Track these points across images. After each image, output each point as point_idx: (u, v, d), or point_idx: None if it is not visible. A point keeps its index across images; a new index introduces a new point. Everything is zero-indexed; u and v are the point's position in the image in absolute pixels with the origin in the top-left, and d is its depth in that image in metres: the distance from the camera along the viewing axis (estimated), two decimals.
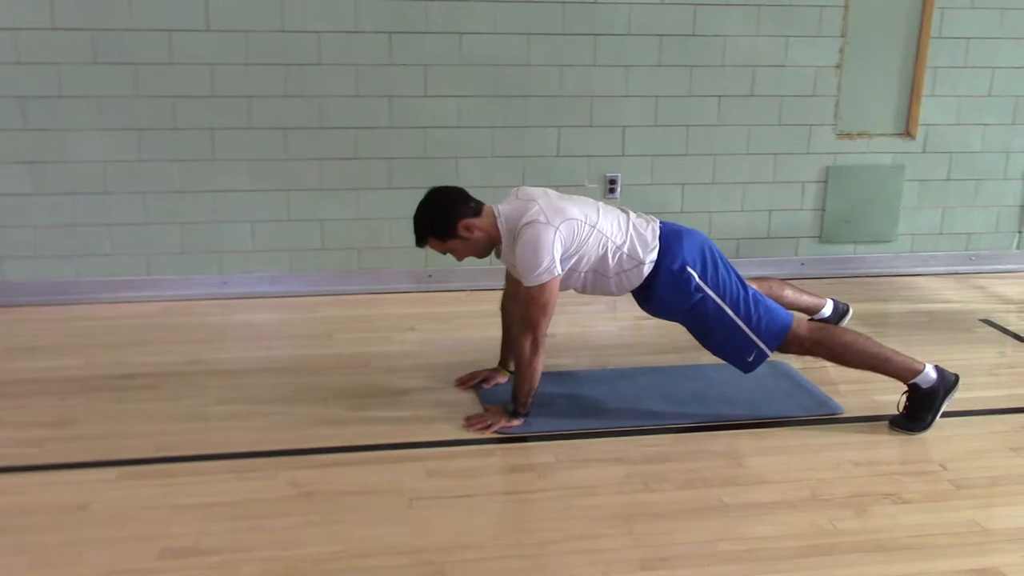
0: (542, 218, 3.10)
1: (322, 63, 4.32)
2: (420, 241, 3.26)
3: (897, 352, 3.28)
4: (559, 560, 2.51)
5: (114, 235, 4.37)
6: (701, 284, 3.22)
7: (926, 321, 4.36)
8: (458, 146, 4.52)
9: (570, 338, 4.06)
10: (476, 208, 3.20)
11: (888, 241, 5.02)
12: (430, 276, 4.66)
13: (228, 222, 4.44)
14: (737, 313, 3.22)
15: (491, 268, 4.60)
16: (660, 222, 3.31)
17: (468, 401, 3.43)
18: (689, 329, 3.36)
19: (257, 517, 2.68)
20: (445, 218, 3.18)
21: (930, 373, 3.23)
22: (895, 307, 4.56)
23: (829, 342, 3.26)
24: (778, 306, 3.31)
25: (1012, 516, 2.75)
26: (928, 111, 4.84)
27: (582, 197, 3.30)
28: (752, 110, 4.71)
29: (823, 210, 4.91)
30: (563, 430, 3.23)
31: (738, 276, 3.28)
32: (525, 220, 3.11)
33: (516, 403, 3.22)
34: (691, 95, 4.65)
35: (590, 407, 3.41)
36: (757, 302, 3.25)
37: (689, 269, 3.21)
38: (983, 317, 4.42)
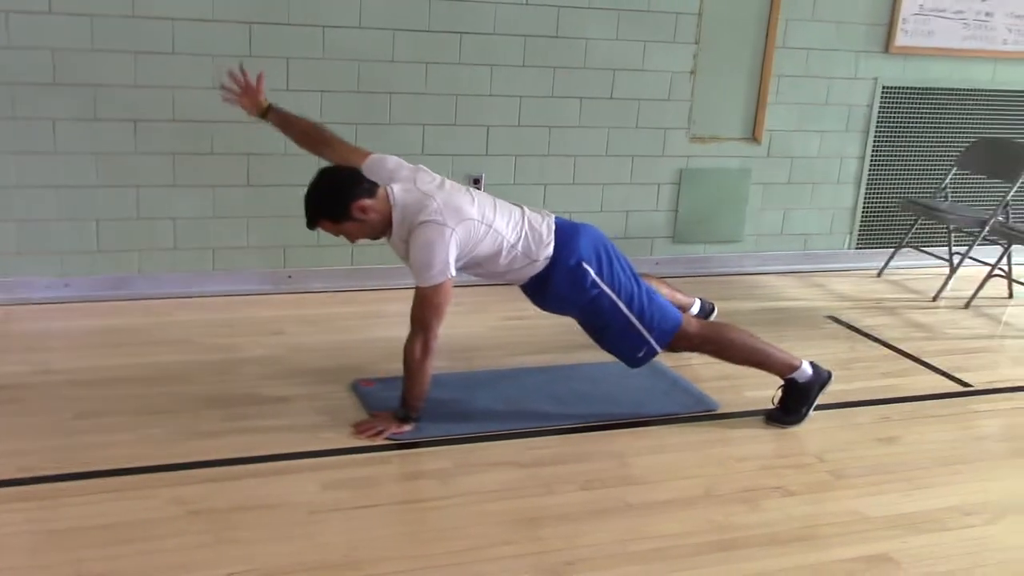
0: (439, 218, 3.04)
1: (176, 52, 4.09)
2: (312, 223, 3.12)
3: (777, 348, 3.41)
4: (471, 569, 2.46)
5: None
6: (597, 280, 3.24)
7: (777, 318, 4.56)
8: None
9: (447, 342, 3.99)
10: (370, 189, 3.10)
11: (736, 241, 5.22)
12: (290, 277, 4.50)
13: (72, 220, 4.13)
14: (631, 309, 3.26)
15: (353, 269, 4.53)
16: (555, 217, 3.30)
17: (351, 407, 3.33)
18: (582, 323, 3.38)
19: (142, 540, 2.50)
20: (338, 199, 3.07)
21: (806, 369, 3.38)
22: (747, 305, 4.74)
23: (716, 339, 3.35)
24: (668, 304, 3.37)
25: (889, 503, 2.91)
26: (773, 117, 5.07)
27: (477, 191, 3.26)
28: (611, 112, 4.79)
29: (676, 211, 5.05)
30: (455, 434, 3.18)
31: (633, 272, 3.33)
32: (422, 218, 3.04)
33: (407, 407, 3.15)
34: (553, 96, 4.68)
35: (477, 410, 3.37)
36: (651, 299, 3.30)
37: (585, 265, 3.22)
38: (828, 314, 4.67)
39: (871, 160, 5.33)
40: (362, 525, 2.64)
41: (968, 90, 5.37)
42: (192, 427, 3.11)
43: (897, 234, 5.45)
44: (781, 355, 3.38)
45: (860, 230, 5.45)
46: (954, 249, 5.34)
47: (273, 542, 2.52)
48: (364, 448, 3.05)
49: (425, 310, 3.08)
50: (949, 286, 5.04)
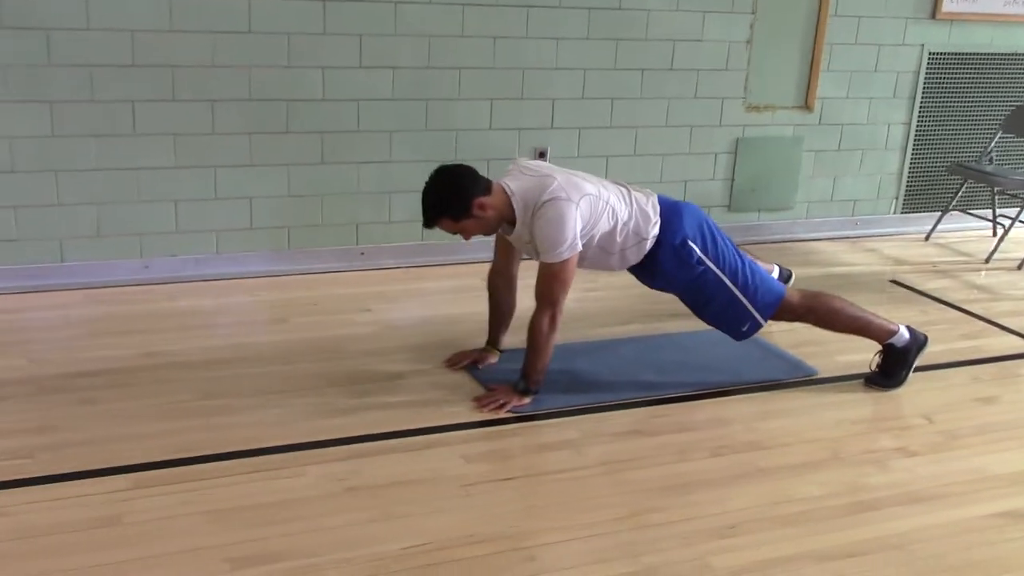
0: (563, 194, 3.08)
1: (252, 31, 4.06)
2: (431, 222, 3.15)
3: (875, 314, 3.48)
4: (639, 535, 2.52)
5: (20, 218, 3.96)
6: (703, 257, 3.29)
7: (841, 284, 4.62)
8: (391, 119, 4.38)
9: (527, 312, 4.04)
10: (486, 186, 3.13)
11: (788, 208, 5.29)
12: (362, 254, 4.51)
13: (151, 201, 4.12)
14: (735, 284, 3.32)
15: (422, 244, 4.54)
16: (658, 196, 3.35)
17: (465, 382, 3.36)
18: (686, 300, 3.43)
19: (310, 517, 2.53)
20: (459, 198, 3.09)
21: (904, 333, 3.46)
22: (808, 272, 4.80)
23: (819, 308, 3.42)
24: (770, 276, 3.43)
25: (1010, 461, 3.01)
26: (824, 85, 5.13)
27: (584, 172, 3.29)
28: (671, 83, 4.83)
29: (732, 179, 5.11)
30: (573, 405, 3.23)
31: (734, 247, 3.38)
32: (546, 197, 3.07)
33: (528, 380, 3.19)
34: (616, 68, 4.71)
35: (585, 381, 3.42)
36: (754, 273, 3.36)
37: (691, 243, 3.28)
38: (891, 278, 4.76)
39: (917, 126, 5.41)
40: (515, 496, 2.69)
41: (1011, 54, 5.46)
42: (319, 406, 3.14)
43: (942, 198, 5.54)
44: (880, 321, 3.46)
45: (906, 195, 5.54)
46: (998, 212, 5.45)
47: (438, 515, 2.57)
48: (490, 422, 3.10)
49: (554, 285, 3.12)
50: (998, 249, 5.14)
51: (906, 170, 5.49)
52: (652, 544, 2.48)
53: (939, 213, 5.47)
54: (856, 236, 5.44)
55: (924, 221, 5.56)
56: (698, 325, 3.75)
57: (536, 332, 3.16)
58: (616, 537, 2.51)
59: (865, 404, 3.38)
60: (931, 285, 4.66)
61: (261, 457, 2.81)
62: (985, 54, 5.40)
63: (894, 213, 5.56)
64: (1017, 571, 2.46)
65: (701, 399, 3.36)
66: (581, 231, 3.11)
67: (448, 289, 4.31)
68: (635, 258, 3.29)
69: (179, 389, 3.21)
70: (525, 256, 3.38)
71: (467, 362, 3.46)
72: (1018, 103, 5.43)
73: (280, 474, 2.73)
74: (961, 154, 5.53)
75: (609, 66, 4.69)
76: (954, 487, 2.84)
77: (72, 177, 3.97)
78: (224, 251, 4.28)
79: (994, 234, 5.53)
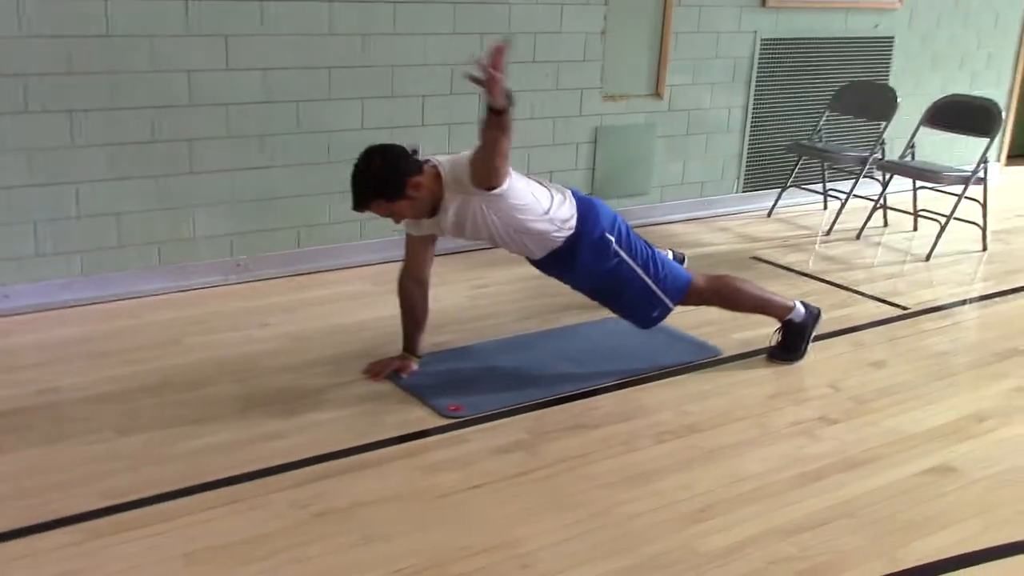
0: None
1: (112, 35, 3.79)
2: (363, 205, 3.08)
3: (773, 293, 3.68)
4: (623, 529, 2.57)
5: None
6: (618, 249, 3.37)
7: (710, 263, 4.82)
8: (265, 123, 4.21)
9: (437, 314, 3.99)
10: (419, 165, 3.08)
11: (644, 194, 5.47)
12: (238, 265, 4.31)
13: (6, 224, 3.77)
14: (647, 273, 3.41)
15: (301, 251, 4.39)
16: (571, 191, 3.39)
17: (391, 391, 3.30)
18: (597, 291, 3.51)
19: (288, 549, 2.42)
20: (393, 177, 3.04)
21: (800, 308, 3.66)
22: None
23: (724, 291, 3.57)
24: (675, 263, 3.55)
25: (918, 420, 3.26)
26: (672, 73, 5.33)
27: None
28: (533, 76, 4.88)
29: (593, 169, 5.22)
30: (509, 405, 3.23)
31: (643, 240, 3.47)
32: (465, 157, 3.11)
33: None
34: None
35: (511, 378, 3.43)
36: (662, 262, 3.47)
37: (608, 235, 3.35)
38: (751, 255, 5.02)
39: (753, 108, 5.71)
40: (489, 503, 2.67)
41: (832, 39, 5.85)
42: (253, 429, 3.00)
43: (777, 176, 5.89)
44: (779, 299, 3.65)
45: (745, 174, 5.84)
46: (829, 186, 5.86)
47: (420, 532, 2.52)
48: (433, 430, 3.06)
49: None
50: (823, 220, 5.53)
51: (745, 151, 5.79)
52: (639, 536, 2.53)
53: (776, 190, 5.82)
54: (705, 217, 5.69)
55: (762, 199, 5.88)
56: (594, 316, 3.89)
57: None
58: (602, 533, 2.54)
59: (774, 379, 3.56)
60: (788, 259, 4.96)
61: (214, 492, 2.66)
62: (810, 39, 5.77)
63: (736, 192, 5.86)
64: (959, 523, 2.67)
65: (625, 387, 3.43)
66: (507, 185, 3.11)
67: (340, 296, 4.19)
68: (555, 244, 3.31)
69: (91, 428, 2.97)
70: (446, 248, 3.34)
71: (389, 371, 3.39)
72: (842, 83, 5.83)
73: (241, 507, 2.59)
74: (793, 134, 5.89)
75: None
76: (880, 449, 3.05)
77: None
78: (91, 273, 3.98)
79: (824, 207, 5.94)
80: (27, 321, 3.76)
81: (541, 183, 3.32)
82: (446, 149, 4.68)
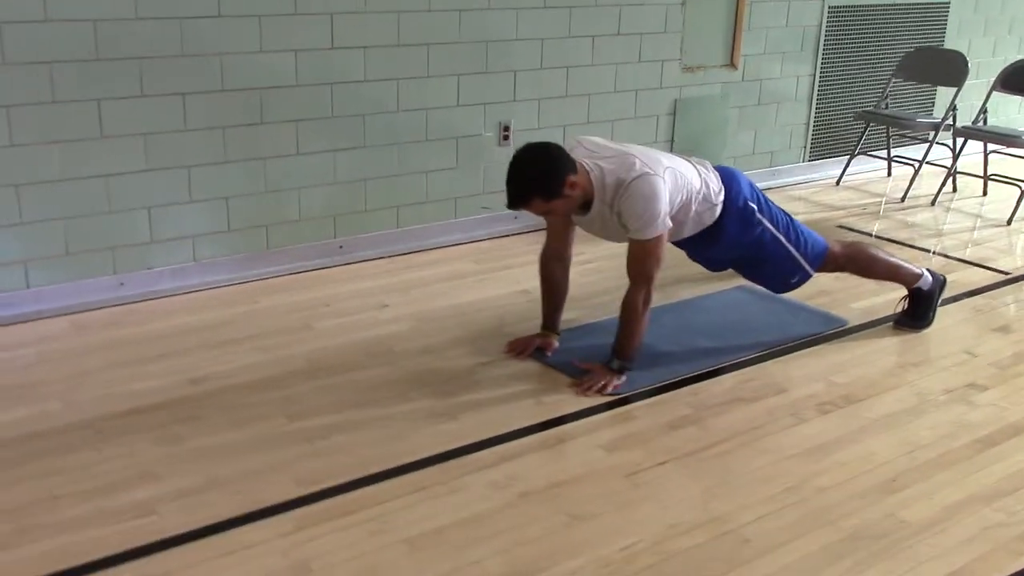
0: (649, 169, 3.04)
1: (223, 15, 3.72)
2: (520, 203, 3.03)
3: (903, 260, 3.68)
4: (821, 501, 2.57)
5: None
6: (760, 217, 3.36)
7: None
8: (364, 103, 4.15)
9: (573, 288, 3.96)
10: (574, 164, 3.04)
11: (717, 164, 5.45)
12: (341, 247, 4.26)
13: (120, 212, 3.71)
14: (788, 240, 3.41)
15: (400, 231, 4.34)
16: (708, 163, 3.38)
17: (539, 370, 3.28)
18: (740, 261, 3.50)
19: (507, 531, 2.41)
20: (554, 176, 2.99)
21: (928, 276, 3.67)
22: None
23: (859, 257, 3.57)
24: (812, 231, 3.54)
25: None
26: (746, 43, 5.30)
27: (647, 147, 3.27)
28: (619, 49, 4.84)
29: (672, 140, 5.20)
30: (662, 381, 3.22)
31: (778, 206, 3.47)
32: (635, 173, 3.02)
33: (626, 359, 3.16)
34: (570, 36, 4.66)
35: (651, 355, 3.39)
36: (800, 228, 3.46)
37: (751, 204, 3.34)
38: (836, 224, 5.02)
39: (820, 77, 5.71)
40: (683, 480, 2.67)
41: (899, 5, 5.85)
42: (418, 413, 2.97)
43: (841, 144, 5.89)
44: (908, 266, 3.66)
45: (812, 143, 5.85)
46: (894, 152, 5.88)
47: (626, 510, 2.51)
48: (599, 408, 3.05)
49: (648, 262, 3.09)
50: (890, 186, 5.55)
51: (812, 119, 5.79)
52: (838, 509, 2.54)
53: (838, 158, 5.83)
54: (776, 186, 5.69)
55: (827, 167, 5.89)
56: (706, 288, 3.88)
57: (632, 310, 3.12)
58: (802, 507, 2.54)
59: (909, 347, 3.58)
60: (874, 227, 4.97)
61: (407, 476, 2.64)
62: (874, 5, 5.76)
63: (803, 161, 5.86)
64: None
65: (765, 360, 3.43)
66: (666, 227, 3.09)
67: (446, 275, 4.14)
68: (708, 220, 3.29)
69: (259, 415, 2.93)
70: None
71: (532, 349, 3.37)
72: (903, 50, 5.83)
73: (440, 490, 2.57)
74: (856, 101, 5.89)
75: (564, 34, 4.64)
76: None
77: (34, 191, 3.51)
78: (201, 259, 3.93)
79: (889, 174, 5.96)
80: (146, 309, 3.70)
81: (689, 161, 3.28)
82: (536, 125, 4.65)
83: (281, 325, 3.59)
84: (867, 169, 5.99)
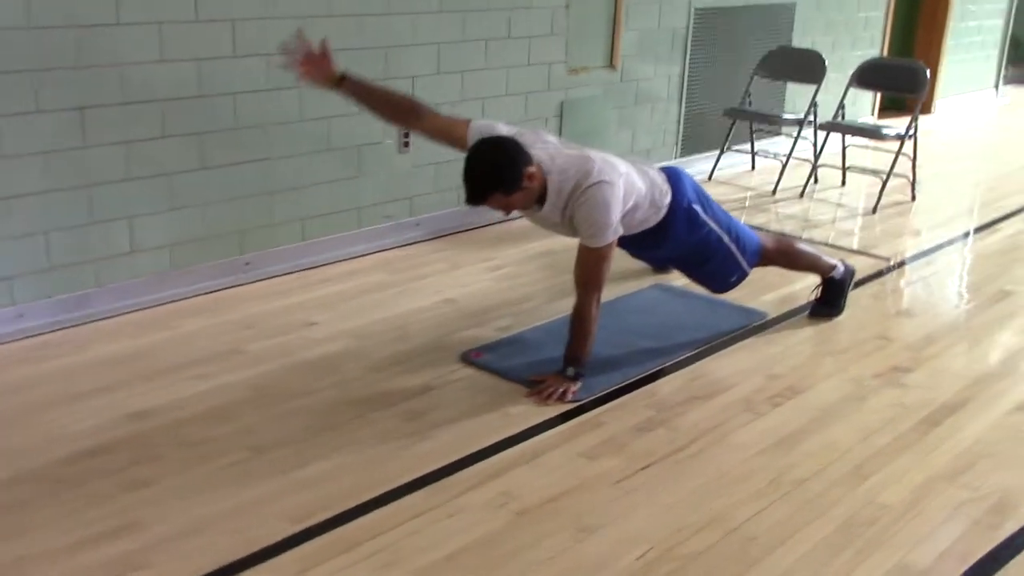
0: (606, 176, 3.06)
1: (120, 23, 3.48)
2: (481, 198, 3.00)
3: (820, 252, 3.87)
4: (805, 493, 2.67)
5: None
6: (705, 218, 3.45)
7: None
8: (266, 113, 3.99)
9: (477, 300, 3.94)
10: (529, 156, 3.03)
11: None
12: (247, 264, 4.07)
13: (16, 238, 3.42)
14: (730, 239, 3.52)
15: (306, 244, 4.19)
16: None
17: (492, 383, 3.25)
18: (683, 260, 3.59)
19: (517, 552, 2.38)
20: (512, 169, 2.97)
21: (840, 266, 3.87)
22: None
23: (787, 251, 3.74)
24: (744, 226, 3.66)
25: (971, 360, 3.53)
26: (624, 45, 5.42)
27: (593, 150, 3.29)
28: (510, 52, 4.85)
29: None
30: (617, 384, 3.26)
31: (718, 204, 3.57)
32: (592, 180, 3.04)
33: (579, 365, 3.16)
34: (465, 40, 4.63)
35: (597, 358, 3.41)
36: (738, 226, 3.58)
37: (695, 206, 3.42)
38: None
39: (688, 76, 5.90)
40: (669, 482, 2.71)
41: (759, 6, 6.11)
42: (383, 436, 2.89)
43: (708, 140, 6.12)
44: (825, 258, 3.85)
45: (683, 140, 6.04)
46: (757, 147, 6.16)
47: (627, 519, 2.54)
48: (565, 416, 3.05)
49: (599, 267, 3.11)
50: (756, 180, 5.83)
51: (682, 117, 5.98)
52: (822, 499, 2.65)
53: (705, 154, 6.06)
54: None
55: (698, 163, 6.10)
56: (622, 289, 3.96)
57: (585, 316, 3.13)
58: (791, 500, 2.64)
59: (828, 335, 3.76)
60: (757, 220, 5.18)
61: (399, 502, 2.57)
62: (736, 7, 6.00)
63: (676, 158, 6.05)
64: None
65: (703, 357, 3.52)
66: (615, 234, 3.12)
67: (364, 288, 4.03)
68: (653, 222, 3.35)
69: (221, 449, 2.77)
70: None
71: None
72: (763, 49, 6.11)
73: (439, 514, 2.51)
74: (721, 99, 6.13)
75: (459, 39, 4.60)
76: (965, 392, 3.28)
77: None
78: (105, 283, 3.66)
79: (752, 168, 6.24)
80: (54, 341, 3.42)
81: (634, 165, 3.32)
82: None
83: (210, 351, 3.40)
84: (732, 163, 6.25)
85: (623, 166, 3.20)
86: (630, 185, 3.18)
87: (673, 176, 3.43)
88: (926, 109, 7.82)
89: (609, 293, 3.93)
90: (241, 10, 3.79)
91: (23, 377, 3.16)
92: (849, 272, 3.91)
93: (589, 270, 3.13)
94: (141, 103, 3.60)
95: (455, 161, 4.57)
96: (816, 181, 5.92)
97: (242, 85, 3.87)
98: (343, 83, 3.19)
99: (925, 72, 5.53)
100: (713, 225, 3.47)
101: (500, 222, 4.88)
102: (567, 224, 3.15)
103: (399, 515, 2.49)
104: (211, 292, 3.90)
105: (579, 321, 3.15)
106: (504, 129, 3.18)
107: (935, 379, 3.38)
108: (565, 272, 3.64)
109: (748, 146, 6.22)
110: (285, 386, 3.16)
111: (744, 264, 3.57)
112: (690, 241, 3.46)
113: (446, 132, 3.23)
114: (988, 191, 5.98)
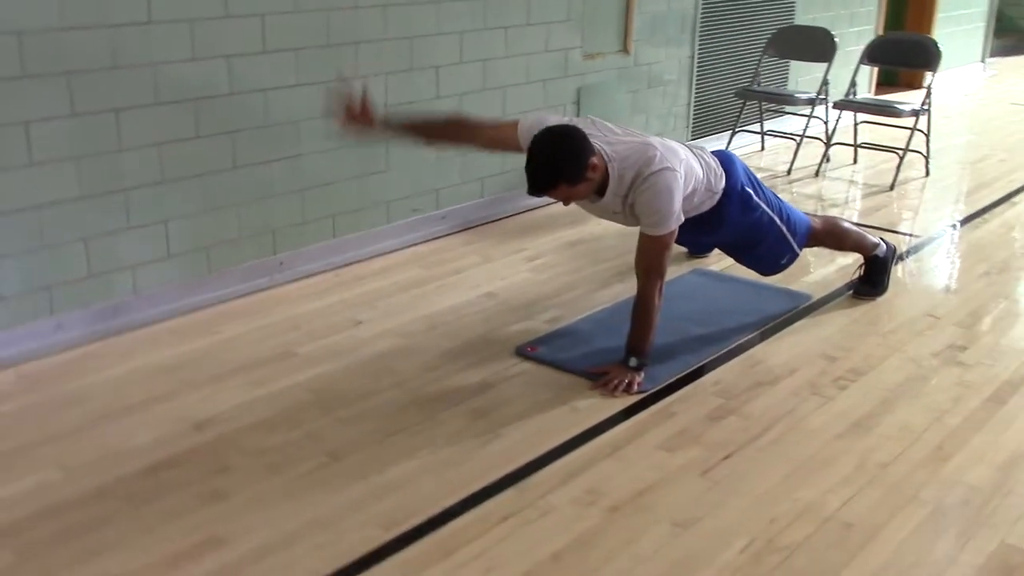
0: (668, 164, 3.02)
1: (152, 21, 3.38)
2: (547, 189, 2.94)
3: (863, 230, 3.85)
4: (890, 475, 2.66)
5: None
6: (757, 200, 3.42)
7: None
8: (295, 109, 3.90)
9: (520, 294, 3.88)
10: (591, 145, 2.98)
11: None
12: (281, 264, 3.99)
13: (56, 245, 3.31)
14: (782, 221, 3.49)
15: (338, 241, 4.11)
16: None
17: (553, 377, 3.20)
18: (740, 243, 3.56)
19: (619, 550, 2.34)
20: (579, 159, 2.93)
21: (882, 244, 3.85)
22: None
23: (834, 231, 3.72)
24: (794, 208, 3.63)
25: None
26: (637, 29, 5.37)
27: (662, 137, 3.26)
28: (529, 40, 4.78)
29: None
30: (679, 373, 3.23)
31: (767, 186, 3.55)
32: (655, 167, 3.00)
33: (643, 354, 3.12)
34: (486, 28, 4.56)
35: (655, 348, 3.38)
36: (789, 208, 3.56)
37: (748, 188, 3.39)
38: None
39: (698, 58, 5.86)
40: (752, 471, 2.68)
41: None
42: (460, 438, 2.83)
43: (715, 122, 6.09)
44: (869, 236, 3.83)
45: (693, 122, 6.01)
46: (767, 126, 6.14)
47: (721, 509, 2.50)
48: (634, 409, 3.01)
49: (662, 255, 3.08)
50: (767, 160, 5.81)
51: (692, 99, 5.94)
52: (908, 481, 2.63)
53: (715, 135, 6.03)
54: None
55: (708, 145, 6.05)
56: (671, 276, 3.89)
57: (649, 305, 3.09)
58: (877, 485, 2.61)
59: (876, 315, 3.73)
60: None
61: (487, 504, 2.51)
62: None
63: (687, 140, 6.00)
64: None
65: (757, 342, 3.48)
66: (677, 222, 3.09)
67: (402, 285, 3.95)
68: (707, 207, 3.31)
69: (292, 457, 2.70)
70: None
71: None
72: (766, 29, 6.08)
73: (531, 515, 2.46)
74: (730, 79, 6.10)
75: (480, 27, 4.53)
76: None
77: None
78: (141, 291, 3.57)
79: (762, 147, 6.21)
80: (95, 353, 3.33)
81: (691, 150, 3.28)
82: None
83: (260, 355, 3.32)
84: (741, 144, 6.22)
85: (683, 151, 3.16)
86: (689, 170, 3.14)
87: (725, 160, 3.39)
88: (919, 83, 7.83)
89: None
90: (270, 4, 3.69)
91: (71, 391, 3.06)
92: (892, 250, 3.90)
93: (652, 258, 3.08)
94: (174, 103, 3.50)
95: (479, 152, 4.58)
96: (828, 160, 5.91)
97: (272, 81, 3.78)
98: (387, 126, 3.19)
99: (937, 46, 5.53)
100: (765, 207, 3.44)
101: (525, 211, 4.85)
102: (628, 213, 3.10)
103: (490, 517, 2.44)
104: (248, 295, 3.81)
105: (643, 310, 3.11)
106: (553, 120, 3.12)
107: (992, 356, 3.37)
108: (602, 260, 3.62)
109: (757, 127, 6.19)
110: (344, 388, 3.09)
111: (795, 245, 3.54)
112: (744, 224, 3.42)
113: (499, 141, 3.23)
114: (999, 163, 5.99)
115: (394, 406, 2.99)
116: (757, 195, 3.42)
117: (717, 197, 3.31)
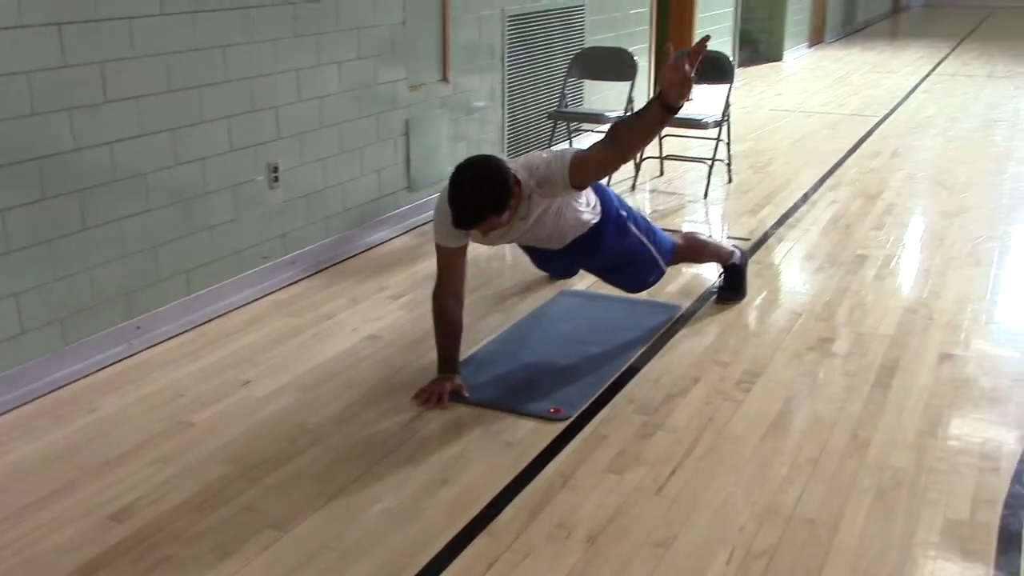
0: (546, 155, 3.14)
1: None
2: (477, 222, 2.90)
3: (718, 242, 4.05)
4: (833, 467, 2.80)
5: None
6: (629, 224, 3.52)
7: None
8: (141, 161, 3.63)
9: (404, 332, 3.79)
10: (510, 170, 2.99)
11: (442, 180, 5.47)
12: (138, 328, 3.69)
13: None
14: (650, 240, 3.61)
15: (192, 298, 3.87)
16: None
17: (469, 414, 3.15)
18: (608, 267, 3.63)
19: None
20: (506, 186, 2.91)
21: (736, 251, 4.07)
22: None
23: (695, 246, 3.88)
24: (656, 226, 3.76)
25: (876, 323, 3.83)
26: (453, 58, 5.39)
27: None
28: (360, 73, 4.69)
29: (408, 160, 5.15)
30: (593, 395, 3.26)
31: (633, 206, 3.67)
32: (546, 155, 3.15)
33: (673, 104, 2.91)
34: (320, 64, 4.43)
35: (559, 372, 3.42)
36: (654, 228, 3.67)
37: (621, 212, 3.50)
38: None
39: (508, 83, 5.97)
40: (708, 481, 2.75)
41: (564, 8, 6.27)
42: (408, 484, 2.73)
43: (530, 141, 6.22)
44: (724, 246, 4.03)
45: (508, 144, 6.10)
46: (575, 145, 6.32)
47: (689, 525, 2.55)
48: (561, 437, 3.01)
49: (603, 152, 3.07)
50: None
51: (505, 123, 6.04)
52: (850, 474, 2.79)
53: None
54: None
55: None
56: (533, 300, 4.00)
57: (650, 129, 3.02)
58: (817, 477, 2.76)
59: (745, 318, 3.94)
60: None
61: (466, 553, 2.43)
62: (540, 11, 6.13)
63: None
64: None
65: (650, 356, 3.58)
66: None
67: (276, 336, 3.76)
68: (582, 230, 3.39)
69: (231, 537, 2.50)
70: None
71: (447, 396, 3.18)
72: (565, 50, 6.29)
73: (513, 558, 2.41)
74: (537, 101, 6.24)
75: (314, 63, 4.40)
76: (892, 352, 3.56)
77: None
78: None
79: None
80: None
81: None
82: (299, 162, 4.38)
83: (152, 429, 3.06)
84: None
85: None
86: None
87: (598, 187, 3.48)
88: None
89: (521, 307, 3.97)
90: (109, 51, 3.42)
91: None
92: (744, 256, 4.12)
93: (610, 158, 3.09)
94: (15, 164, 3.17)
95: (323, 191, 4.46)
96: (638, 172, 6.18)
97: (116, 133, 3.50)
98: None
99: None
100: (635, 230, 3.55)
101: (371, 248, 4.76)
102: (554, 212, 3.18)
103: (475, 568, 2.37)
104: (110, 365, 3.50)
105: (642, 135, 3.05)
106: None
107: (860, 345, 3.64)
108: (468, 292, 3.61)
109: (567, 146, 6.37)
110: (262, 454, 2.90)
111: (662, 264, 3.68)
112: (618, 247, 3.53)
113: (462, 267, 3.27)
114: (785, 165, 6.48)
115: (322, 465, 2.84)
116: (628, 218, 3.53)
117: (596, 220, 3.40)
